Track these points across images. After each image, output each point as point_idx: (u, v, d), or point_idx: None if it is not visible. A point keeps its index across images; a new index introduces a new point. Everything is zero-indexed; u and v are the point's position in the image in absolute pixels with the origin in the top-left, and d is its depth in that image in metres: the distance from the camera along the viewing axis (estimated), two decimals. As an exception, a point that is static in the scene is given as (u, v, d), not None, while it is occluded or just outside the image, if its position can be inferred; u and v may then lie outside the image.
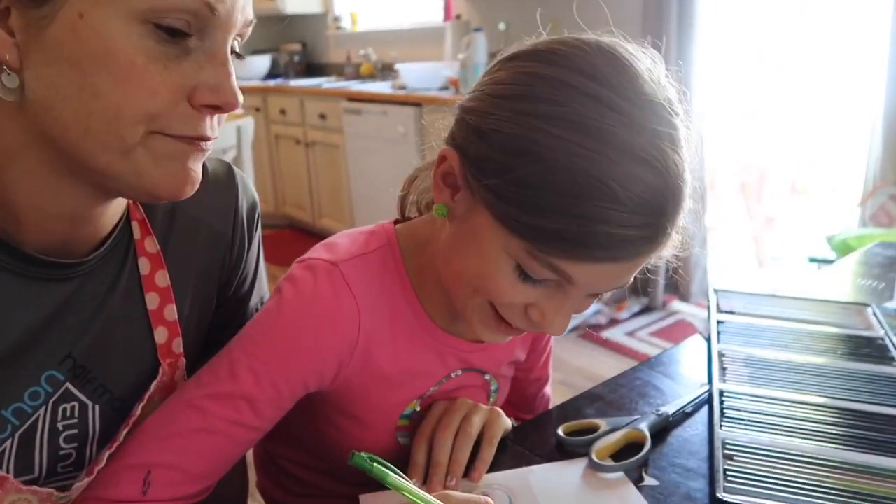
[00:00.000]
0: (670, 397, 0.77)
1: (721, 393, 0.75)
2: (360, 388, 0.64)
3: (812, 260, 2.22)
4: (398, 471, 0.51)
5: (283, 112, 3.95)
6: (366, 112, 3.30)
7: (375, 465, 0.49)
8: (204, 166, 0.66)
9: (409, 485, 0.51)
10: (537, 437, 0.71)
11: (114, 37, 0.44)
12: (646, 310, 2.75)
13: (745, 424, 0.69)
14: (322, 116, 3.64)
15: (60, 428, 0.56)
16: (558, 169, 0.48)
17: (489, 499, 0.53)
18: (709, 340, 0.88)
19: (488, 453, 0.65)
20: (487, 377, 0.72)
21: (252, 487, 0.83)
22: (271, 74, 4.43)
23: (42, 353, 0.54)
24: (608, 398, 0.78)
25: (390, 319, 0.63)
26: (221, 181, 0.67)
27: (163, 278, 0.61)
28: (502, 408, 0.72)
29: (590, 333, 2.50)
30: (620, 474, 0.64)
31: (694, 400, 0.75)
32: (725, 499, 0.59)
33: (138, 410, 0.59)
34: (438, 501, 0.50)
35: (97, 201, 0.54)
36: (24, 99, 0.46)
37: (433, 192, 0.58)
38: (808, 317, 0.94)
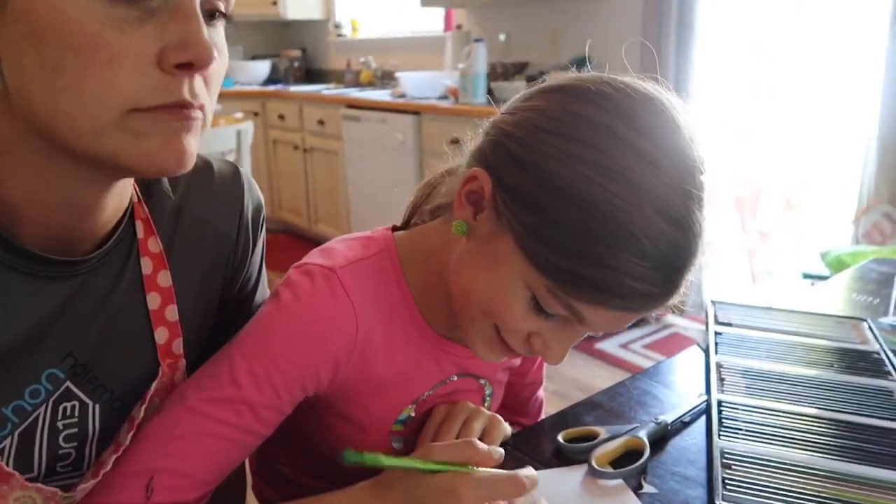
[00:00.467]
0: (669, 406, 0.77)
1: (719, 403, 0.75)
2: (355, 392, 0.64)
3: (806, 276, 2.24)
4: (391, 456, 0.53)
5: (281, 117, 3.96)
6: (365, 119, 3.31)
7: (368, 454, 0.50)
8: (210, 166, 0.66)
9: (404, 458, 0.53)
10: (537, 443, 0.72)
11: (65, 5, 0.42)
12: (640, 322, 2.76)
13: (743, 434, 0.70)
14: (321, 122, 3.65)
15: (60, 427, 0.56)
16: (595, 216, 0.49)
17: (473, 440, 0.55)
18: (707, 351, 0.89)
19: None
20: (482, 382, 0.73)
21: (248, 490, 0.83)
22: (271, 80, 4.45)
23: (43, 352, 0.53)
24: (607, 406, 0.78)
25: (387, 324, 0.63)
26: (228, 182, 0.67)
27: (165, 278, 0.60)
28: (496, 411, 0.72)
29: (584, 345, 2.51)
30: (619, 481, 0.65)
31: (692, 410, 0.76)
32: (724, 507, 0.60)
33: (141, 412, 0.59)
34: (425, 461, 0.53)
35: (93, 189, 0.52)
36: (6, 88, 0.45)
37: (455, 208, 0.58)
38: (804, 330, 0.95)
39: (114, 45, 0.43)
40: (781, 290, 2.58)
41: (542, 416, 0.87)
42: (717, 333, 0.93)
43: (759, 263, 2.88)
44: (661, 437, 0.72)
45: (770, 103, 2.62)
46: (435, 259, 0.63)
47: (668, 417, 0.73)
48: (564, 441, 0.70)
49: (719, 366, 0.84)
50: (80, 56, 0.42)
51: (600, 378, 2.25)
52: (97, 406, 0.57)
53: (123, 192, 0.56)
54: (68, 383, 0.55)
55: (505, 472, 0.55)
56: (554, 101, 0.53)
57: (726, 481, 0.63)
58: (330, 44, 4.50)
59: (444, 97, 3.09)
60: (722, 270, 2.90)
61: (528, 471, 0.56)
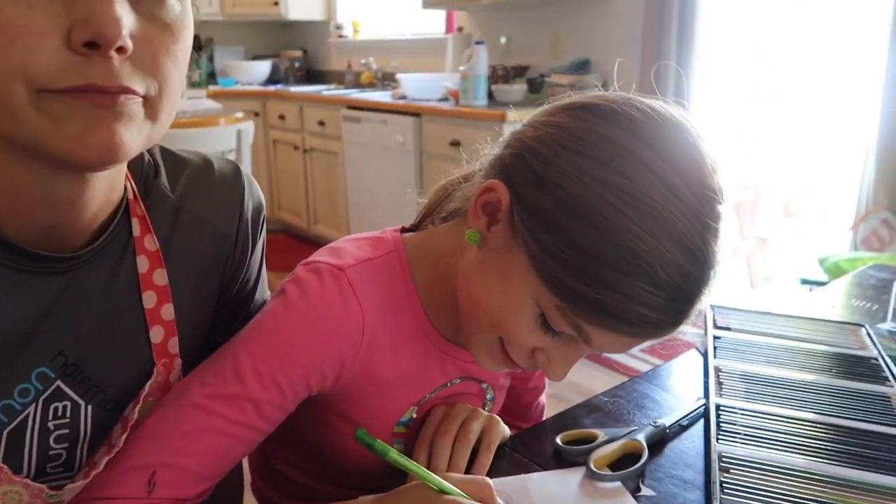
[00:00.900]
0: (667, 410, 0.78)
1: (718, 407, 0.75)
2: (359, 392, 0.64)
3: (804, 281, 2.24)
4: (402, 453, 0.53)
5: (282, 118, 3.96)
6: (365, 120, 3.32)
7: (379, 441, 0.50)
8: (210, 165, 0.66)
9: (412, 462, 0.53)
10: (535, 445, 0.72)
11: None
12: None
13: (741, 439, 0.70)
14: (321, 123, 3.66)
15: (51, 427, 0.55)
16: (612, 242, 0.49)
17: (488, 479, 0.54)
18: (705, 355, 0.89)
19: (486, 458, 0.66)
20: (485, 386, 0.73)
21: (246, 488, 0.83)
22: (271, 80, 4.45)
23: (33, 350, 0.53)
24: (606, 409, 0.78)
25: (393, 325, 0.63)
26: (228, 181, 0.66)
27: (161, 277, 0.60)
28: (498, 416, 0.72)
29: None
30: (618, 484, 0.65)
31: (690, 413, 0.76)
32: (721, 511, 0.60)
33: (135, 413, 0.58)
34: (437, 477, 0.52)
35: (68, 183, 0.50)
36: None
37: (469, 216, 0.58)
38: (803, 335, 0.95)
39: (16, 22, 0.40)
40: (780, 295, 2.58)
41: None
42: (715, 337, 0.93)
43: (758, 269, 2.89)
44: (660, 441, 0.72)
45: (770, 108, 2.62)
46: (444, 263, 0.63)
47: (667, 421, 0.73)
48: (563, 443, 0.70)
49: (718, 370, 0.84)
50: None
51: (599, 381, 2.25)
52: (90, 407, 0.57)
53: (110, 187, 0.55)
54: (59, 383, 0.55)
55: None
56: (579, 119, 0.53)
57: (724, 485, 0.63)
58: (331, 45, 4.50)
59: (444, 99, 3.09)
60: (720, 275, 2.90)
61: None
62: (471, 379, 0.70)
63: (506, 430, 0.71)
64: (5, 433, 0.52)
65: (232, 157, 2.30)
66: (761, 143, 2.70)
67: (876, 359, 0.88)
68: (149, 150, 0.63)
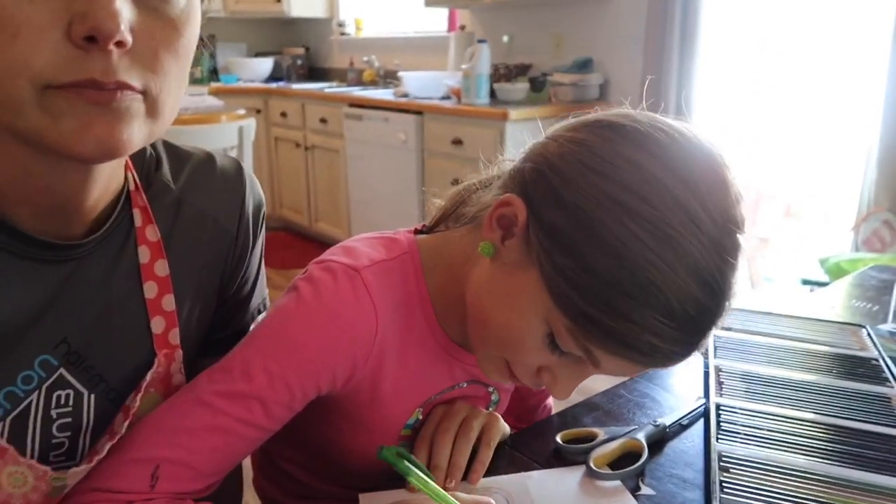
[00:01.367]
0: (667, 409, 0.78)
1: (718, 407, 0.76)
2: (367, 394, 0.64)
3: (805, 282, 2.24)
4: (425, 469, 0.52)
5: (283, 115, 3.96)
6: (367, 118, 3.32)
7: (403, 461, 0.50)
8: (213, 160, 0.66)
9: (432, 484, 0.52)
10: (535, 443, 0.72)
11: None
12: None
13: (741, 438, 0.70)
14: (323, 121, 3.66)
15: (54, 416, 0.55)
16: (628, 269, 0.48)
17: (492, 500, 0.54)
18: (705, 355, 0.89)
19: (486, 455, 0.66)
20: (491, 389, 0.73)
21: (247, 484, 0.83)
22: (273, 77, 4.45)
23: (36, 337, 0.53)
24: (606, 408, 0.79)
25: (404, 328, 0.63)
26: (230, 177, 0.67)
27: (162, 268, 0.60)
28: (504, 418, 0.72)
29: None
30: (617, 483, 0.65)
31: (691, 413, 0.76)
32: (721, 510, 0.60)
33: (136, 401, 0.58)
34: (456, 502, 0.52)
35: (70, 173, 0.51)
36: None
37: (483, 227, 0.57)
38: (803, 335, 0.95)
39: (18, 17, 0.40)
40: (780, 295, 2.58)
41: (542, 418, 0.87)
42: (716, 337, 0.93)
43: (759, 269, 2.88)
44: (660, 440, 0.72)
45: (772, 109, 2.62)
46: (456, 268, 0.62)
47: (667, 420, 0.73)
48: (563, 442, 0.70)
49: (718, 369, 0.84)
50: None
51: (599, 380, 2.25)
52: (92, 396, 0.57)
53: (111, 176, 0.55)
54: (62, 370, 0.55)
55: None
56: (604, 138, 0.51)
57: (724, 485, 0.63)
58: (333, 42, 4.50)
59: (446, 97, 3.09)
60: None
61: None
62: (478, 383, 0.70)
63: (506, 428, 0.71)
64: (8, 420, 0.53)
65: (233, 154, 2.30)
66: (763, 144, 2.70)
67: (876, 359, 0.88)
68: (151, 143, 0.63)
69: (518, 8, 3.22)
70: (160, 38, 0.45)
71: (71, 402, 0.56)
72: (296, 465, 0.76)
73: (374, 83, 3.97)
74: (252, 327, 0.62)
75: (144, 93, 0.45)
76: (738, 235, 0.50)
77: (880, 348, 0.91)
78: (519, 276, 0.54)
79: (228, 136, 2.29)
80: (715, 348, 0.90)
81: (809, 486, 0.63)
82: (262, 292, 0.74)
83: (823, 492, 0.62)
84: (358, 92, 3.63)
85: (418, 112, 3.04)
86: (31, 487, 0.53)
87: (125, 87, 0.44)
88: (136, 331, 0.59)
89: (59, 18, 0.41)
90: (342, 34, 4.36)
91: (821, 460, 0.67)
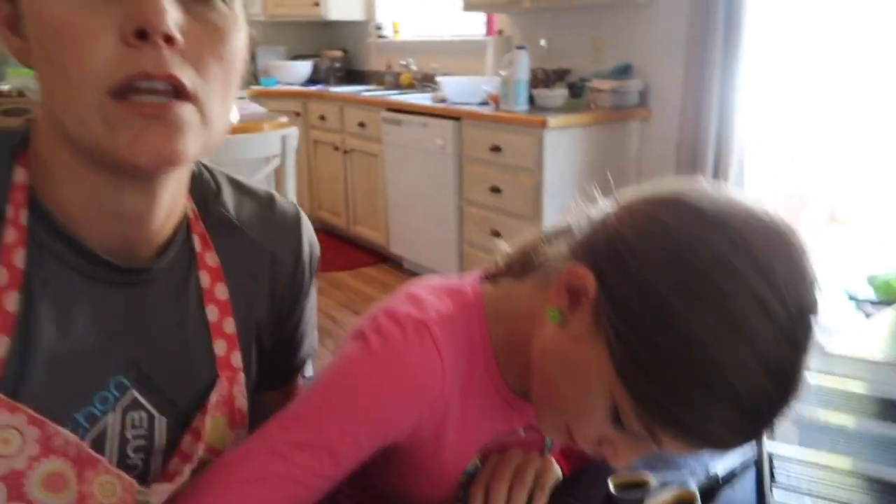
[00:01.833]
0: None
1: (770, 456, 0.75)
2: (431, 445, 0.65)
3: (851, 298, 2.18)
4: None
5: (322, 118, 4.01)
6: (405, 123, 3.34)
7: None
8: (272, 198, 0.68)
9: None
10: (588, 488, 0.73)
11: None
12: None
13: (796, 490, 0.70)
14: (361, 125, 3.69)
15: (129, 437, 0.58)
16: (699, 359, 0.48)
17: None
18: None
19: (541, 501, 0.67)
20: (548, 439, 0.74)
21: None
22: (312, 80, 4.50)
23: (109, 358, 0.56)
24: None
25: (468, 379, 0.64)
26: (290, 218, 0.69)
27: (222, 291, 0.62)
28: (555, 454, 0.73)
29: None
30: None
31: (743, 461, 0.76)
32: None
33: (206, 424, 0.60)
34: None
35: (137, 196, 0.54)
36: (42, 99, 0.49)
37: (551, 292, 0.57)
38: (860, 375, 0.93)
39: (80, 25, 0.44)
40: (830, 317, 2.52)
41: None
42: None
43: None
44: (711, 489, 0.72)
45: (818, 112, 2.56)
46: (521, 323, 0.63)
47: (719, 469, 0.74)
48: (615, 487, 0.71)
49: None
50: (57, 41, 0.45)
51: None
52: (164, 420, 0.59)
53: (174, 202, 0.58)
54: (135, 392, 0.57)
55: None
56: (681, 220, 0.51)
57: (779, 541, 0.63)
58: (371, 45, 4.53)
59: (484, 103, 3.09)
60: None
61: None
62: (535, 430, 0.71)
63: (559, 472, 0.72)
64: (88, 440, 0.55)
65: (276, 162, 2.34)
66: (810, 148, 2.64)
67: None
68: (210, 172, 0.66)
69: (556, 12, 3.20)
70: (206, 43, 0.48)
71: (144, 425, 0.58)
72: (351, 498, 0.78)
73: (411, 86, 3.99)
74: (320, 373, 0.64)
75: (194, 97, 0.48)
76: (812, 320, 0.50)
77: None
78: (586, 349, 0.54)
79: (271, 145, 2.33)
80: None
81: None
82: (313, 341, 0.75)
83: (881, 552, 0.62)
84: (395, 96, 3.65)
85: (456, 118, 3.05)
86: (118, 498, 0.54)
87: (174, 81, 0.46)
88: (200, 353, 0.61)
89: (113, 24, 0.44)
90: (380, 37, 4.39)
91: (878, 516, 0.66)
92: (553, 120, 2.68)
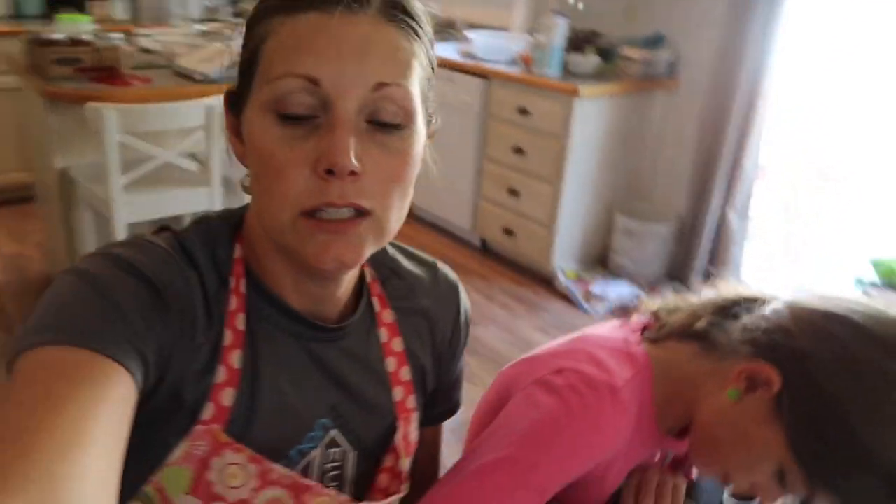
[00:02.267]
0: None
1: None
2: (598, 472, 0.77)
3: (859, 282, 2.36)
4: None
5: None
6: (429, 73, 3.33)
7: None
8: (436, 269, 0.76)
9: None
10: (709, 496, 0.88)
11: (256, 129, 0.54)
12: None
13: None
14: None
15: (327, 469, 0.66)
16: (868, 470, 0.63)
17: None
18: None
19: None
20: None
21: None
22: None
23: (317, 403, 0.64)
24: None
25: (637, 430, 0.76)
26: (451, 287, 0.77)
27: (398, 344, 0.71)
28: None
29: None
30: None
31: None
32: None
33: (399, 463, 0.69)
34: None
35: (318, 279, 0.62)
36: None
37: (733, 379, 0.71)
38: None
39: (282, 159, 0.53)
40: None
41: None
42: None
43: (809, 255, 2.93)
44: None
45: (852, 96, 2.57)
46: (683, 386, 0.76)
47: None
48: (729, 498, 0.87)
49: None
50: (264, 169, 0.54)
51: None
52: (354, 454, 0.68)
53: (354, 277, 0.66)
54: (334, 432, 0.66)
55: None
56: (865, 345, 0.66)
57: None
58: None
59: (513, 63, 3.11)
60: (766, 252, 3.00)
61: None
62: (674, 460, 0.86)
63: (684, 484, 0.87)
64: (297, 471, 0.63)
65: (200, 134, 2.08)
66: (831, 124, 2.69)
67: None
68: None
69: (590, -28, 3.18)
70: (386, 169, 0.55)
71: (339, 459, 0.67)
72: None
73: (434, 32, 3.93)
74: (515, 419, 0.75)
75: (372, 214, 0.55)
76: None
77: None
78: (762, 428, 0.69)
79: (194, 116, 2.06)
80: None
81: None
82: (461, 382, 0.84)
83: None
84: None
85: (485, 76, 3.07)
86: None
87: (356, 206, 0.54)
88: (383, 398, 0.69)
89: (307, 158, 0.52)
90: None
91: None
92: (584, 89, 2.73)
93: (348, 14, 0.52)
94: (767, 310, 0.73)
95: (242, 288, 0.61)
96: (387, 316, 0.70)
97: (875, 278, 2.31)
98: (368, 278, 0.70)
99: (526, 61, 2.99)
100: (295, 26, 0.53)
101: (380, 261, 0.72)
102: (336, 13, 0.52)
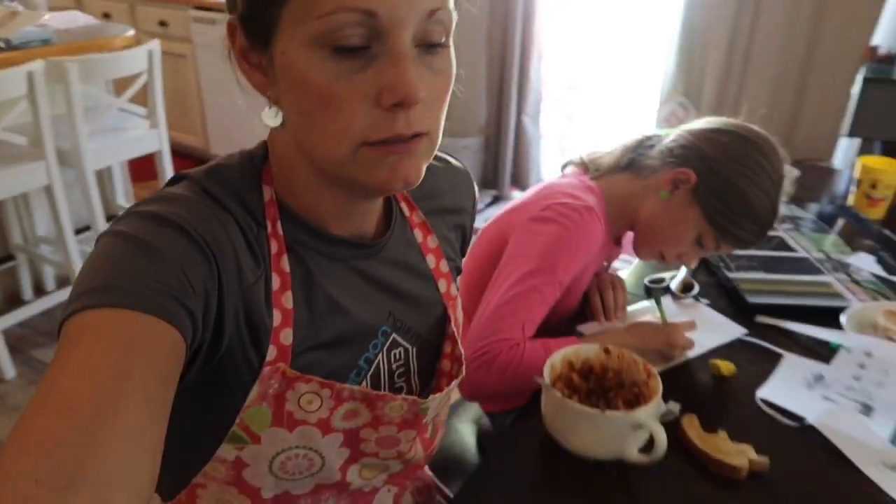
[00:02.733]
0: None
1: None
2: (577, 283, 1.09)
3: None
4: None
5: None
6: (220, 21, 3.23)
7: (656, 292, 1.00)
8: (450, 163, 0.80)
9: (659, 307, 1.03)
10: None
11: (303, 65, 0.51)
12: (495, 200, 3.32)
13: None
14: (163, 24, 3.49)
15: (394, 368, 0.70)
16: (751, 206, 1.00)
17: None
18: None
19: (624, 299, 1.17)
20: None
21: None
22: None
23: (375, 314, 0.68)
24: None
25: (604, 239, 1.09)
26: (466, 177, 0.82)
27: (433, 241, 0.74)
28: None
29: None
30: (691, 299, 1.19)
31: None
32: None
33: (454, 348, 0.74)
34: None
35: (362, 200, 0.63)
36: (284, 123, 0.57)
37: (662, 183, 1.05)
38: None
39: (341, 94, 0.51)
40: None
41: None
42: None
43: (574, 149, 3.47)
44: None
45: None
46: (625, 201, 1.09)
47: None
48: (648, 282, 1.22)
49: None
50: (319, 105, 0.52)
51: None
52: (414, 349, 0.72)
53: None
54: (394, 335, 0.69)
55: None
56: (741, 143, 1.02)
57: (741, 290, 1.20)
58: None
59: None
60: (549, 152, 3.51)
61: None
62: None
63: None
64: (368, 377, 0.68)
65: (143, 79, 2.28)
66: (582, 38, 3.18)
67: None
68: None
69: None
70: (437, 90, 0.55)
71: (402, 357, 0.71)
72: None
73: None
74: (525, 247, 1.01)
75: (428, 133, 0.56)
76: (784, 181, 1.04)
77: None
78: (685, 210, 1.04)
79: (139, 62, 2.27)
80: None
81: None
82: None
83: None
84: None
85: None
86: (405, 411, 0.68)
87: (420, 134, 0.54)
88: (430, 293, 0.73)
89: (370, 90, 0.51)
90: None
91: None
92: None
93: None
94: (671, 136, 1.07)
95: (280, 230, 0.60)
96: (416, 216, 0.74)
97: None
98: None
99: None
100: None
101: None
102: None
